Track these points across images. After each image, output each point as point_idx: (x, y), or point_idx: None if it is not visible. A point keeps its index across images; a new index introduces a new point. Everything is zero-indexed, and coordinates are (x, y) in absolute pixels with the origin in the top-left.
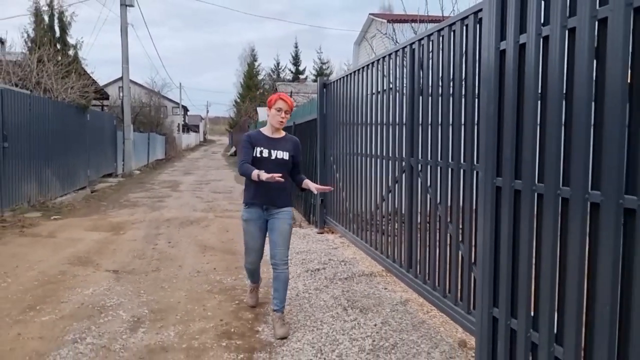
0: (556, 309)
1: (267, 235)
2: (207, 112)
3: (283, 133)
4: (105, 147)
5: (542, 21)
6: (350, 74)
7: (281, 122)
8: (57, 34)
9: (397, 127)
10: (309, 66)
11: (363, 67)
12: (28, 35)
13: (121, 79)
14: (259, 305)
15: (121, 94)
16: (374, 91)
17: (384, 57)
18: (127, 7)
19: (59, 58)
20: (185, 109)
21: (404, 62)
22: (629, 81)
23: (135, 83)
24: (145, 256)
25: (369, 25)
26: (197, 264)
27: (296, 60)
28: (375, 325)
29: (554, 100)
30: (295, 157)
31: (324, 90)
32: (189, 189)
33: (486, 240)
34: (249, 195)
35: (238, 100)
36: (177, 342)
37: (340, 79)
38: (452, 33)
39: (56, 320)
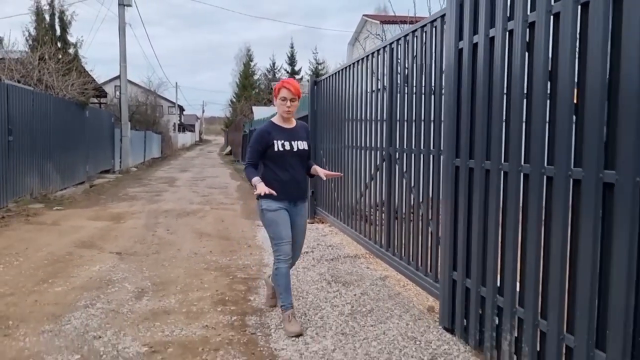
0: (499, 267)
1: None
2: (203, 111)
3: (294, 121)
4: (103, 144)
5: (490, 24)
6: (337, 72)
7: (288, 111)
8: (58, 32)
9: (377, 120)
10: (304, 66)
11: (349, 65)
12: (29, 33)
13: (118, 77)
14: (250, 280)
15: (117, 93)
16: (358, 88)
17: (367, 56)
18: (125, 7)
19: (60, 56)
20: (181, 109)
21: (384, 61)
22: (549, 69)
23: (132, 82)
24: (146, 241)
25: (363, 27)
26: (195, 247)
27: (292, 61)
28: (355, 295)
29: (497, 91)
30: (309, 144)
31: (315, 87)
32: (185, 184)
33: (447, 213)
34: (275, 188)
35: (234, 99)
36: (177, 307)
37: (328, 77)
38: (423, 34)
39: (68, 291)
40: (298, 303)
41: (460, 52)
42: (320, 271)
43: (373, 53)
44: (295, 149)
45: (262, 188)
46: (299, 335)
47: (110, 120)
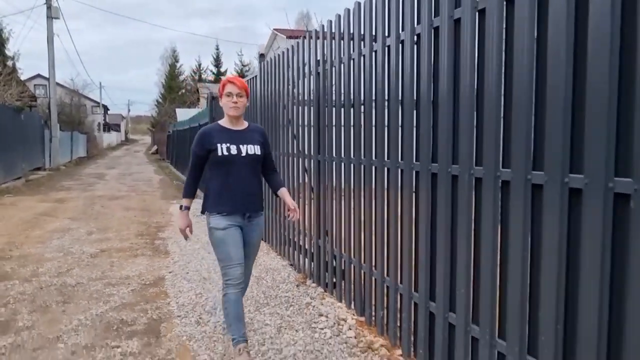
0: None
1: None
2: (129, 111)
3: (246, 123)
4: (35, 144)
5: (284, 80)
6: None
7: (235, 108)
8: None
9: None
10: (230, 67)
11: None
12: None
13: (37, 76)
14: (160, 227)
15: (37, 92)
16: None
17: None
18: (53, 20)
19: (1, 69)
20: (106, 108)
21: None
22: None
23: (57, 83)
24: (87, 212)
25: (274, 40)
26: (124, 214)
27: (217, 62)
28: None
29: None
30: (266, 149)
31: (213, 100)
32: (113, 178)
33: None
34: (222, 201)
35: (160, 100)
36: (114, 237)
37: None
38: (254, 81)
39: (44, 233)
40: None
41: (262, 93)
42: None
43: (250, 79)
44: (243, 154)
45: (182, 227)
46: None
47: (40, 122)
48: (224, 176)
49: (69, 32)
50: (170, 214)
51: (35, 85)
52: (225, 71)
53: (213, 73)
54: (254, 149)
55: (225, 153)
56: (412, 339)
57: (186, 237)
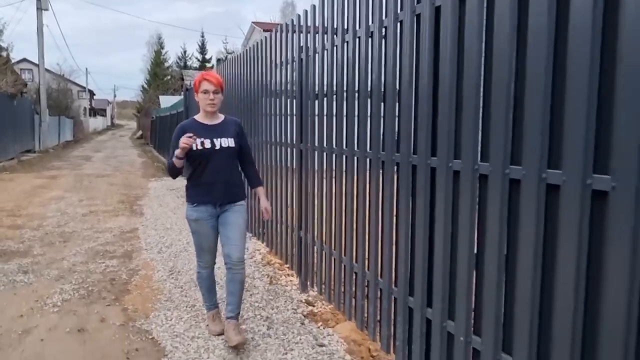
0: None
1: (219, 231)
2: (115, 96)
3: (221, 116)
4: (26, 128)
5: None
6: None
7: (212, 104)
8: None
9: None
10: (217, 53)
11: None
12: None
13: (23, 60)
14: (139, 197)
15: (23, 76)
16: None
17: None
18: (43, 11)
19: None
20: (92, 93)
21: None
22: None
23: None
24: (77, 187)
25: (252, 32)
26: (109, 188)
27: (202, 49)
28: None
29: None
30: (241, 141)
31: (187, 91)
32: (99, 160)
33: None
34: (198, 192)
35: (145, 86)
36: (100, 203)
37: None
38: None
39: (43, 199)
40: (158, 202)
41: None
42: (176, 194)
43: None
44: (217, 147)
45: (184, 142)
46: (221, 334)
47: (31, 107)
48: (200, 170)
49: (56, 18)
50: (149, 188)
51: (21, 69)
52: (211, 58)
53: (198, 60)
54: (228, 142)
55: (200, 147)
56: (292, 258)
57: (190, 142)
